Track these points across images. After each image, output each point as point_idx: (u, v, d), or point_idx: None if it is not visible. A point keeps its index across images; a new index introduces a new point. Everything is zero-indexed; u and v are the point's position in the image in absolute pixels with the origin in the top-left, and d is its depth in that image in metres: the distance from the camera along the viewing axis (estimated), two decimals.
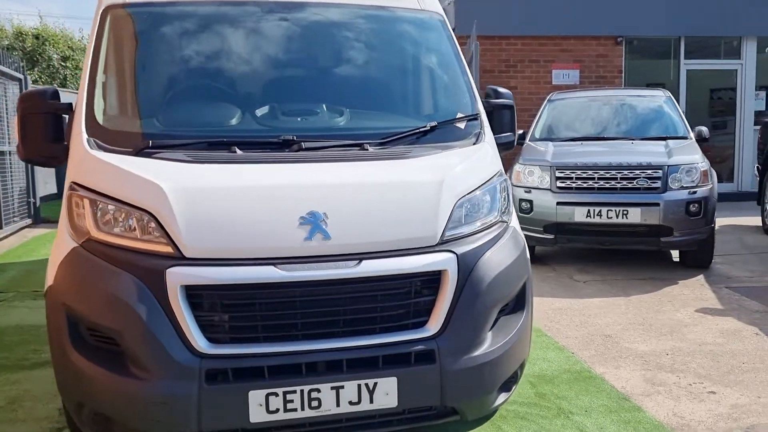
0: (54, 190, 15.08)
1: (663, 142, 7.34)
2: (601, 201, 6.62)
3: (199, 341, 2.54)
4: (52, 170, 14.87)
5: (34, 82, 19.43)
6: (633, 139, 7.57)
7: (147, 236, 2.64)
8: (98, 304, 2.59)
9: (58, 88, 4.29)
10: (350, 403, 2.63)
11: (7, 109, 10.11)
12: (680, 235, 6.58)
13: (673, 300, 5.93)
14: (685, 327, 5.17)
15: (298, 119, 3.36)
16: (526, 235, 3.45)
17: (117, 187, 2.73)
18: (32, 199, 11.00)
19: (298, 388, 2.57)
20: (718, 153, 12.72)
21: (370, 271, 2.68)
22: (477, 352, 2.80)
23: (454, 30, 4.41)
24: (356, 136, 3.16)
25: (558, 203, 6.74)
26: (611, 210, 6.55)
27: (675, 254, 7.56)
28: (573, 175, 6.79)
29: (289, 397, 2.57)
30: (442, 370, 2.72)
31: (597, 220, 6.61)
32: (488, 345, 2.85)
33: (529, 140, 8.02)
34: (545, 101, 8.73)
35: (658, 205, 6.49)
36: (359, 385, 2.63)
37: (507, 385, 3.03)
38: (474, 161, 3.20)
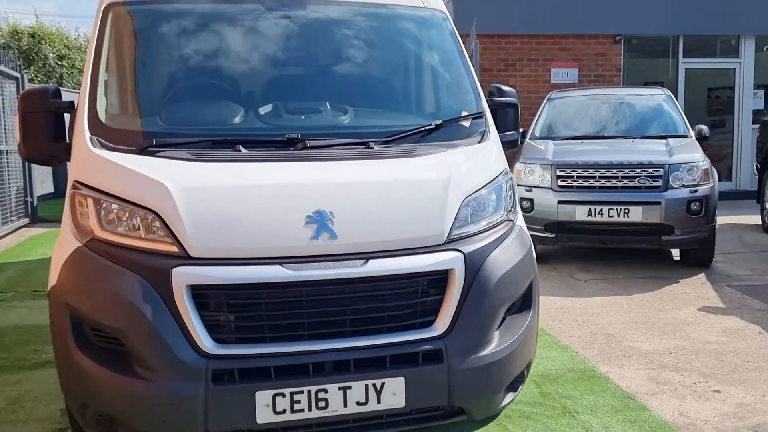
0: (51, 189, 15.03)
1: (663, 141, 7.33)
2: (602, 200, 6.61)
3: (205, 341, 2.51)
4: (49, 169, 14.82)
5: (30, 81, 19.34)
6: (633, 138, 7.55)
7: (152, 236, 2.61)
8: (103, 304, 2.56)
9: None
10: (357, 403, 2.60)
11: (3, 108, 10.05)
12: (681, 234, 6.57)
13: (674, 299, 5.93)
14: (688, 326, 5.16)
15: (302, 117, 3.34)
16: None
17: (121, 186, 2.71)
18: (29, 199, 10.94)
19: (305, 389, 2.55)
20: (717, 152, 12.71)
21: (377, 271, 2.65)
22: (485, 352, 2.78)
23: None
24: (361, 135, 3.13)
25: (559, 202, 6.72)
26: (612, 209, 6.54)
27: (675, 253, 7.56)
28: (574, 173, 6.78)
29: (296, 397, 2.54)
30: (450, 370, 2.70)
31: (598, 218, 6.60)
32: (496, 344, 2.83)
33: (529, 139, 8.00)
34: (545, 100, 8.71)
35: (659, 203, 6.48)
36: (366, 386, 2.61)
37: (514, 385, 3.01)
38: (479, 160, 3.18)
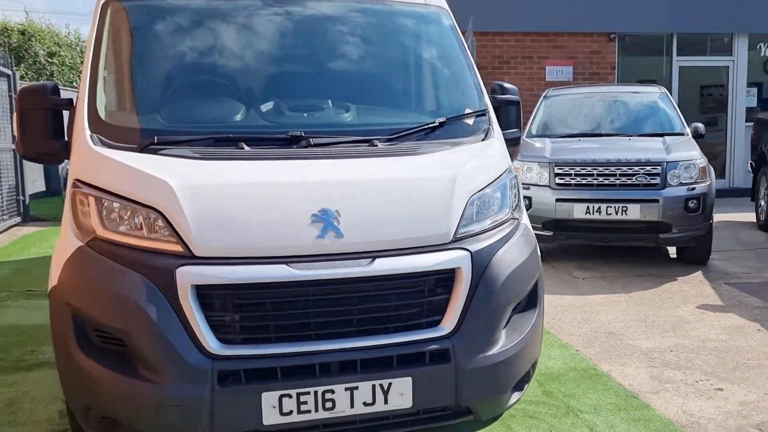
0: (43, 188, 14.91)
1: (660, 139, 7.33)
2: (601, 197, 6.61)
3: (210, 342, 2.48)
4: (41, 168, 14.70)
5: (21, 78, 19.18)
6: (630, 136, 7.55)
7: (155, 235, 2.57)
8: (106, 304, 2.52)
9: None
10: (364, 404, 2.58)
11: None
12: (679, 232, 6.58)
13: (673, 296, 5.93)
14: (688, 324, 5.16)
15: (305, 115, 3.31)
16: None
17: (123, 184, 2.66)
18: (21, 197, 10.84)
19: (311, 389, 2.52)
20: (710, 149, 12.71)
21: (383, 270, 2.63)
22: (492, 351, 2.76)
23: None
24: (365, 132, 3.10)
25: (557, 200, 6.71)
26: (610, 206, 6.54)
27: (672, 250, 7.57)
28: (572, 171, 6.77)
29: (302, 398, 2.51)
30: (457, 370, 2.67)
31: (596, 216, 6.60)
32: (503, 344, 2.81)
33: (526, 136, 7.99)
34: (541, 97, 8.70)
35: (657, 201, 6.49)
36: (374, 386, 2.58)
37: (520, 385, 2.99)
38: (484, 158, 3.16)
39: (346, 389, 2.55)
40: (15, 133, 3.22)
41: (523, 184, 6.99)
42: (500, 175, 3.11)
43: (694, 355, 4.49)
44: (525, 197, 6.90)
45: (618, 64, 12.67)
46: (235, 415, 2.47)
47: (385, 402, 2.59)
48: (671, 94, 11.88)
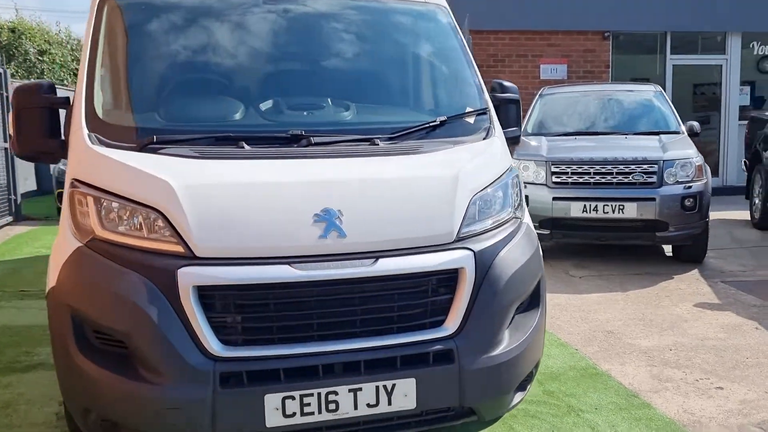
0: (34, 186, 14.81)
1: (656, 137, 7.34)
2: (597, 196, 6.61)
3: (212, 344, 2.44)
4: (32, 166, 14.60)
5: (12, 76, 19.03)
6: (626, 134, 7.56)
7: (155, 235, 2.54)
8: (106, 305, 2.48)
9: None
10: (368, 405, 2.55)
11: None
12: (675, 230, 6.59)
13: (670, 295, 5.93)
14: (686, 322, 5.16)
15: (304, 113, 3.28)
16: None
17: (122, 184, 2.63)
18: (13, 197, 10.75)
19: (315, 391, 2.49)
20: (703, 147, 12.72)
21: (387, 270, 2.60)
22: (496, 352, 2.74)
23: None
24: (365, 131, 3.07)
25: (554, 198, 6.71)
26: (607, 205, 6.54)
27: (668, 249, 7.57)
28: (569, 170, 6.76)
29: (306, 400, 2.49)
30: (461, 370, 2.65)
31: (593, 215, 6.60)
32: (506, 344, 2.79)
33: (522, 135, 7.97)
34: (536, 96, 8.70)
35: (654, 200, 6.49)
36: (377, 387, 2.56)
37: (523, 385, 2.97)
38: (486, 157, 3.14)
39: (350, 391, 2.53)
40: (10, 131, 3.17)
41: None
42: (502, 174, 3.09)
43: (693, 353, 4.49)
44: None
45: (612, 63, 12.70)
46: (237, 418, 2.44)
47: (389, 403, 2.57)
48: (665, 93, 11.92)
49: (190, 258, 2.48)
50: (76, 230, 2.67)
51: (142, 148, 2.76)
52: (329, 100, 3.33)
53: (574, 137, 7.61)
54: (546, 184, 6.81)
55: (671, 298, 5.82)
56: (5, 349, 4.65)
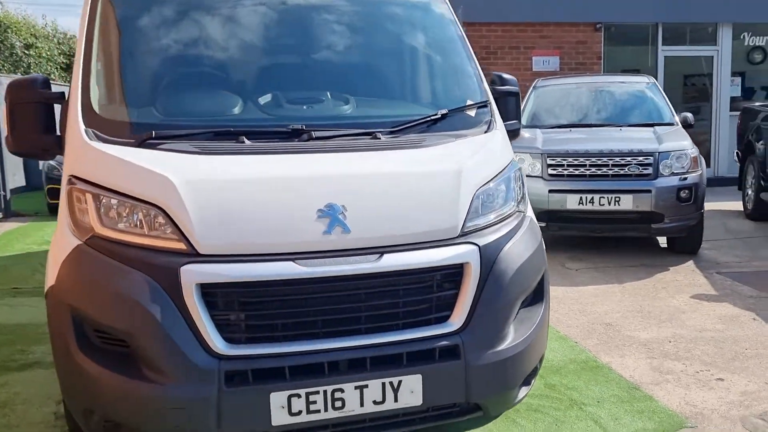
0: (23, 182, 14.64)
1: (651, 129, 7.34)
2: (593, 188, 6.60)
3: (216, 342, 2.41)
4: (20, 161, 14.44)
5: None
6: (620, 126, 7.55)
7: (157, 232, 2.49)
8: (107, 304, 2.44)
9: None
10: (374, 402, 2.53)
11: None
12: (671, 222, 6.59)
13: (667, 286, 5.94)
14: (683, 314, 5.17)
15: (304, 107, 3.23)
16: None
17: (122, 180, 2.58)
18: (2, 192, 10.63)
19: (321, 389, 2.47)
20: (694, 139, 12.69)
21: (392, 266, 2.57)
22: (501, 347, 2.72)
23: None
24: (366, 125, 3.03)
25: (550, 191, 6.69)
26: (603, 197, 6.54)
27: (662, 240, 7.59)
28: (564, 162, 6.75)
29: (312, 398, 2.46)
30: (467, 366, 2.63)
31: (589, 207, 6.60)
32: (512, 339, 2.77)
33: None
34: (531, 88, 8.68)
35: (649, 191, 6.50)
36: (383, 384, 2.53)
37: (527, 379, 2.95)
38: (488, 150, 3.11)
39: (356, 388, 2.50)
40: (4, 126, 3.12)
41: None
42: (504, 168, 3.07)
43: (692, 345, 4.50)
44: None
45: (604, 54, 12.69)
46: (243, 416, 2.41)
47: (395, 400, 2.55)
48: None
49: (193, 255, 2.44)
50: (75, 228, 2.62)
51: (140, 144, 2.71)
52: (328, 93, 3.28)
53: (569, 129, 7.60)
54: (542, 177, 6.80)
55: (668, 290, 5.83)
56: (0, 347, 4.59)
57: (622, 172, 6.60)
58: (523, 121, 8.07)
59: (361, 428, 2.60)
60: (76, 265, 2.55)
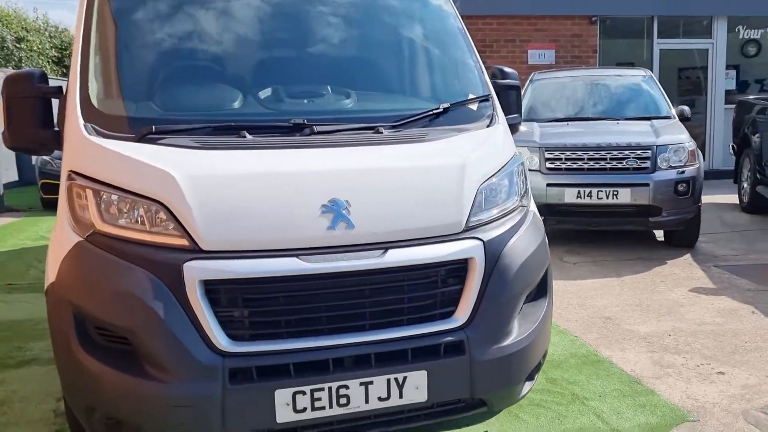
0: (15, 177, 14.56)
1: (648, 122, 7.34)
2: (591, 182, 6.59)
3: (220, 339, 2.39)
4: (13, 156, 14.35)
5: None
6: (617, 119, 7.55)
7: (159, 228, 2.47)
8: (110, 301, 2.41)
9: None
10: (379, 398, 2.51)
11: None
12: (668, 215, 6.60)
13: (665, 280, 5.95)
14: (682, 307, 5.17)
15: (305, 101, 3.20)
16: None
17: (123, 175, 2.54)
18: None
19: (326, 385, 2.45)
20: (689, 132, 12.80)
21: (396, 261, 2.55)
22: (506, 342, 2.71)
23: None
24: (368, 119, 3.01)
25: (548, 185, 6.68)
26: (601, 191, 6.53)
27: (659, 234, 7.60)
28: (562, 156, 6.74)
29: (316, 395, 2.44)
30: (472, 362, 2.62)
31: (587, 201, 6.59)
32: (516, 334, 2.76)
33: None
34: (527, 81, 8.65)
35: (647, 185, 6.50)
36: (388, 380, 2.52)
37: (531, 374, 2.94)
38: (491, 144, 3.09)
39: (361, 384, 2.49)
40: (0, 122, 3.07)
41: None
42: (507, 162, 3.05)
43: (692, 338, 4.50)
44: None
45: (599, 47, 12.68)
46: (247, 414, 2.39)
47: (400, 396, 2.53)
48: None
49: (196, 252, 2.41)
50: (75, 224, 2.59)
51: (140, 139, 2.67)
52: (329, 87, 3.25)
53: (566, 123, 7.58)
54: (540, 171, 6.78)
55: (666, 283, 5.83)
56: None
57: (619, 165, 6.60)
58: None
59: (366, 425, 2.59)
60: (77, 262, 2.52)
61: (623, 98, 8.07)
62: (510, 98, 3.71)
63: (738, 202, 9.50)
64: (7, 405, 3.62)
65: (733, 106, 10.50)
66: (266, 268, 2.42)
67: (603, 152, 6.63)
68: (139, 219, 2.50)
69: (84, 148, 2.70)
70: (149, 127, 2.69)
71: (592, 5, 12.43)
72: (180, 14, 3.21)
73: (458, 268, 2.66)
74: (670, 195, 6.52)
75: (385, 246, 2.56)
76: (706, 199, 9.85)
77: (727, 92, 13.17)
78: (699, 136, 13.24)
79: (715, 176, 12.18)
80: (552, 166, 6.77)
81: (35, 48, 23.88)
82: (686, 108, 7.82)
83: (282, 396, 2.40)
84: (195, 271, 2.37)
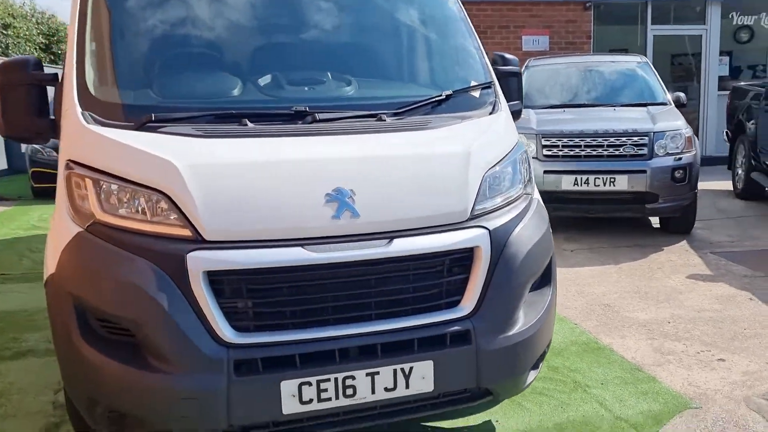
0: (5, 165, 14.41)
1: (644, 108, 7.33)
2: (589, 169, 6.58)
3: (225, 330, 2.35)
4: (1, 144, 14.21)
5: None
6: (614, 106, 7.53)
7: (161, 218, 2.42)
8: (112, 293, 2.37)
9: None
10: (386, 389, 2.49)
11: None
12: (665, 202, 6.60)
13: (662, 267, 5.96)
14: (680, 294, 5.18)
15: (305, 89, 3.15)
16: None
17: (123, 165, 2.49)
18: None
19: (332, 376, 2.42)
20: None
21: (402, 250, 2.52)
22: (512, 331, 2.69)
23: None
24: (370, 106, 2.96)
25: (545, 172, 6.66)
26: (599, 178, 6.52)
27: (655, 220, 7.60)
28: (559, 143, 6.72)
29: (323, 386, 2.41)
30: (479, 351, 2.60)
31: (584, 188, 6.58)
32: (522, 323, 2.74)
33: None
34: (523, 67, 8.59)
35: (644, 172, 6.49)
36: (395, 370, 2.49)
37: (536, 363, 2.93)
38: (494, 132, 3.06)
39: (367, 375, 2.46)
40: None
41: None
42: (511, 150, 3.02)
43: (691, 325, 4.51)
44: None
45: (593, 33, 12.63)
46: (253, 406, 2.36)
47: (407, 386, 2.51)
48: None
49: (199, 242, 2.37)
50: (74, 214, 2.54)
51: (140, 127, 2.62)
52: (329, 74, 3.21)
53: (562, 109, 7.56)
54: (536, 158, 6.76)
55: (663, 270, 5.84)
56: None
57: (617, 152, 6.58)
58: None
59: (372, 416, 2.57)
60: (78, 253, 2.47)
61: (619, 84, 8.05)
62: (511, 85, 3.68)
63: (732, 189, 9.53)
64: (5, 397, 3.58)
65: (726, 92, 10.50)
66: (271, 258, 2.38)
67: (600, 139, 6.61)
68: (140, 209, 2.45)
69: (82, 137, 2.64)
70: (149, 115, 2.64)
71: None
72: (178, 1, 3.15)
73: (464, 257, 2.63)
74: (667, 182, 6.52)
75: (391, 235, 2.53)
76: (700, 185, 9.86)
77: (720, 78, 13.17)
78: (692, 122, 13.24)
79: (708, 162, 12.18)
80: (549, 153, 6.75)
81: (22, 35, 23.57)
82: (682, 94, 7.81)
83: (288, 387, 2.37)
84: (199, 262, 2.33)
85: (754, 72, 13.66)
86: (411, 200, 2.61)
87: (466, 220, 2.66)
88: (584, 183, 6.55)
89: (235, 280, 2.38)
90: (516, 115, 3.63)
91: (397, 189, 2.61)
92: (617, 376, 3.73)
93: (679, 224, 7.04)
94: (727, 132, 9.81)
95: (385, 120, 2.86)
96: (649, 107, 7.36)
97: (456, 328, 2.59)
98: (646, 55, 12.45)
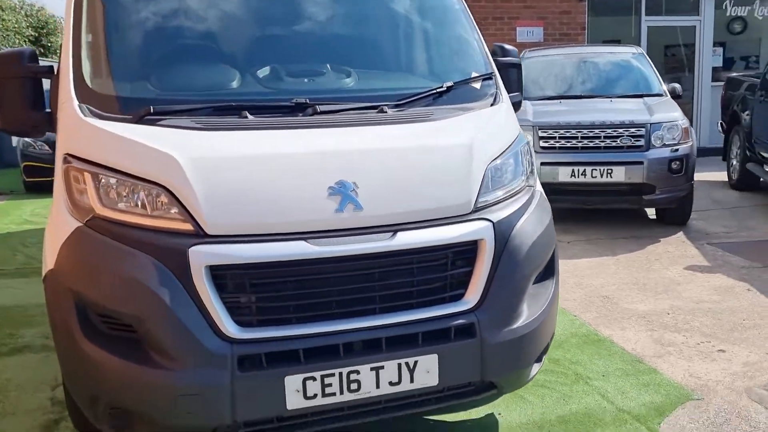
0: None
1: (640, 100, 7.32)
2: (586, 160, 6.57)
3: (228, 326, 2.32)
4: None
5: None
6: (610, 97, 7.51)
7: (162, 212, 2.39)
8: (113, 288, 2.33)
9: None
10: (390, 383, 2.47)
11: None
12: (662, 193, 6.60)
13: (660, 258, 5.96)
14: (679, 285, 5.19)
15: (305, 80, 3.11)
16: None
17: (122, 158, 2.45)
18: None
19: (336, 371, 2.40)
20: None
21: (406, 244, 2.50)
22: (516, 324, 2.67)
23: None
24: (371, 98, 2.92)
25: (542, 163, 6.64)
26: (596, 169, 6.51)
27: (651, 211, 7.61)
28: (556, 134, 6.70)
29: (327, 380, 2.39)
30: (483, 344, 2.58)
31: (581, 179, 6.57)
32: (526, 316, 2.72)
33: None
34: None
35: (642, 163, 6.48)
36: (399, 365, 2.47)
37: (540, 356, 2.92)
38: (495, 124, 3.03)
39: (372, 369, 2.44)
40: None
41: None
42: (513, 142, 3.00)
43: (690, 317, 4.51)
44: None
45: (587, 24, 12.60)
46: (257, 401, 2.34)
47: (411, 380, 2.49)
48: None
49: (200, 236, 2.34)
50: (73, 208, 2.50)
51: (139, 120, 2.58)
52: (329, 66, 3.17)
53: (558, 101, 7.54)
54: (534, 149, 6.73)
55: (661, 261, 5.84)
56: None
57: (614, 144, 6.57)
58: None
59: (376, 410, 2.55)
60: (78, 248, 2.43)
61: (615, 76, 8.04)
62: (511, 76, 3.65)
63: (727, 180, 9.54)
64: (3, 394, 3.54)
65: (720, 83, 10.50)
66: (274, 252, 2.35)
67: (597, 130, 6.60)
68: (140, 203, 2.42)
69: (80, 130, 2.60)
70: (147, 108, 2.60)
71: None
72: None
73: (468, 250, 2.61)
74: (664, 173, 6.52)
75: (395, 228, 2.51)
76: (695, 176, 9.92)
77: (714, 69, 13.18)
78: (686, 113, 13.18)
79: (702, 153, 12.18)
80: (546, 144, 6.73)
81: (11, 27, 23.35)
82: (677, 86, 7.80)
83: (292, 382, 2.35)
84: (201, 256, 2.30)
85: (747, 63, 13.68)
86: (415, 193, 2.58)
87: (470, 213, 2.64)
88: (581, 174, 6.55)
89: (238, 275, 2.35)
90: (516, 106, 3.60)
91: (401, 181, 2.58)
92: (618, 367, 3.73)
93: (675, 215, 7.04)
94: (721, 123, 9.82)
95: (386, 112, 2.83)
96: (646, 98, 7.35)
97: (460, 321, 2.57)
98: (639, 46, 12.46)
